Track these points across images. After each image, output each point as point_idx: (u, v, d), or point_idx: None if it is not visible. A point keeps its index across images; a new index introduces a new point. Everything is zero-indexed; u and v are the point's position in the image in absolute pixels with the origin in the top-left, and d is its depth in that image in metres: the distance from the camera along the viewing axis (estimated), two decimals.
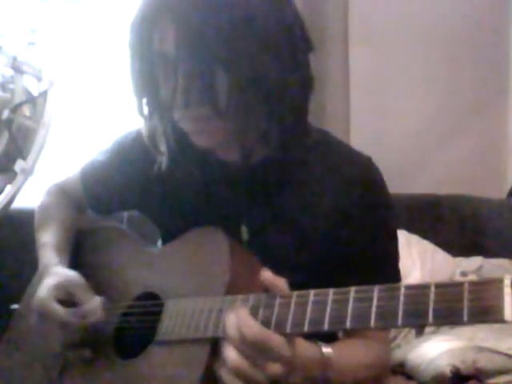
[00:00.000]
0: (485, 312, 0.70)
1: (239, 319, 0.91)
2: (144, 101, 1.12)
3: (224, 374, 0.92)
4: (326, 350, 1.00)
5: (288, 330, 0.89)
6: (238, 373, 0.90)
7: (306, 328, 0.88)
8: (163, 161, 1.19)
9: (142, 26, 1.04)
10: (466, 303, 0.72)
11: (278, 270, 0.94)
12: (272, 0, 1.05)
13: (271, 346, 0.89)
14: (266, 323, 0.91)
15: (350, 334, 1.15)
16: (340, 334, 1.19)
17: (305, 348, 0.96)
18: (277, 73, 1.04)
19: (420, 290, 0.78)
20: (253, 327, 0.90)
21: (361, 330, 1.08)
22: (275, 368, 0.90)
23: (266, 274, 0.94)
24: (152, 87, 1.09)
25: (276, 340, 0.89)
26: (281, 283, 0.93)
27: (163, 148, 1.18)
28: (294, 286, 0.93)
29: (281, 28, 1.05)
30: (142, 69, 1.08)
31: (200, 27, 0.99)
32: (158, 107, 1.10)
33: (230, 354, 0.90)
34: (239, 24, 1.00)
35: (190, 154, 1.17)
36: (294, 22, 1.09)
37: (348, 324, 0.83)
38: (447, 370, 1.88)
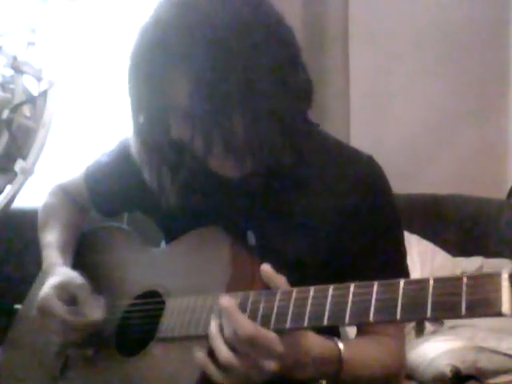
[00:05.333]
0: (482, 305, 0.71)
1: (229, 315, 0.91)
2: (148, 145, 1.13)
3: (213, 370, 0.92)
4: (340, 345, 1.00)
5: (288, 326, 0.89)
6: (229, 369, 0.90)
7: (305, 323, 0.88)
8: (168, 190, 1.18)
9: (151, 79, 1.05)
10: (464, 297, 0.73)
11: (286, 273, 0.94)
12: (272, 26, 1.07)
13: (263, 343, 0.89)
14: (265, 319, 0.91)
15: (362, 331, 1.15)
16: (351, 333, 1.19)
17: (318, 343, 0.96)
18: (286, 93, 1.06)
19: (418, 284, 0.78)
20: (243, 323, 0.90)
21: (363, 325, 1.08)
22: (269, 364, 0.90)
23: (266, 268, 0.94)
24: (161, 134, 1.10)
25: (268, 336, 0.89)
26: (280, 280, 0.94)
27: (167, 180, 1.17)
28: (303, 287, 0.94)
29: (282, 52, 1.07)
30: (150, 119, 1.09)
31: (214, 76, 1.01)
32: (167, 149, 1.11)
33: (222, 349, 0.91)
34: (249, 63, 1.02)
35: (194, 167, 1.16)
36: (287, 34, 1.10)
37: (347, 319, 0.84)
38: (447, 370, 1.88)
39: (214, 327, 0.94)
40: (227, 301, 0.93)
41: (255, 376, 0.91)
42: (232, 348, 0.90)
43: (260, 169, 1.14)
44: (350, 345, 1.03)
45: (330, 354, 0.99)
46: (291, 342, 0.92)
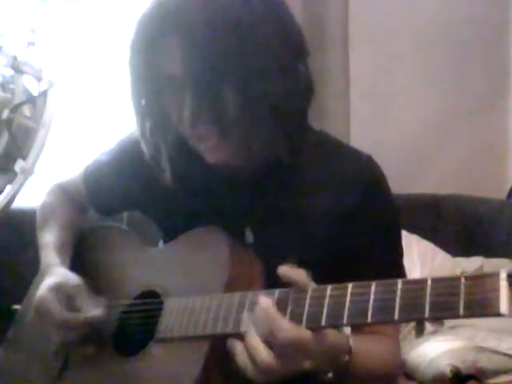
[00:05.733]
0: (481, 305, 0.71)
1: (270, 318, 0.89)
2: (146, 121, 1.13)
3: (246, 364, 0.91)
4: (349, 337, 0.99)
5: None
6: (264, 368, 0.89)
7: (304, 323, 0.88)
8: (166, 176, 1.18)
9: (147, 49, 1.05)
10: (462, 297, 0.73)
11: None
12: (272, 11, 1.06)
13: (304, 345, 0.88)
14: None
15: (358, 329, 1.15)
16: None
17: (336, 338, 0.95)
18: (282, 84, 1.05)
19: (417, 284, 0.78)
20: (284, 325, 0.88)
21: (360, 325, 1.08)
22: (306, 364, 0.89)
23: (286, 269, 0.93)
24: (157, 109, 1.10)
25: (306, 337, 0.88)
26: (301, 275, 0.93)
27: (165, 164, 1.17)
28: None
29: (282, 38, 1.06)
30: (146, 91, 1.09)
31: (208, 48, 1.00)
32: (164, 127, 1.11)
33: (260, 350, 0.89)
34: (245, 41, 1.01)
35: (192, 160, 1.16)
36: (293, 29, 1.10)
37: (345, 319, 0.83)
38: (447, 370, 1.88)
39: (251, 327, 0.92)
40: (266, 302, 0.92)
41: (287, 373, 0.90)
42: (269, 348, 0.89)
43: (259, 167, 1.14)
44: (355, 339, 1.02)
45: (340, 343, 0.97)
46: (319, 338, 0.90)
